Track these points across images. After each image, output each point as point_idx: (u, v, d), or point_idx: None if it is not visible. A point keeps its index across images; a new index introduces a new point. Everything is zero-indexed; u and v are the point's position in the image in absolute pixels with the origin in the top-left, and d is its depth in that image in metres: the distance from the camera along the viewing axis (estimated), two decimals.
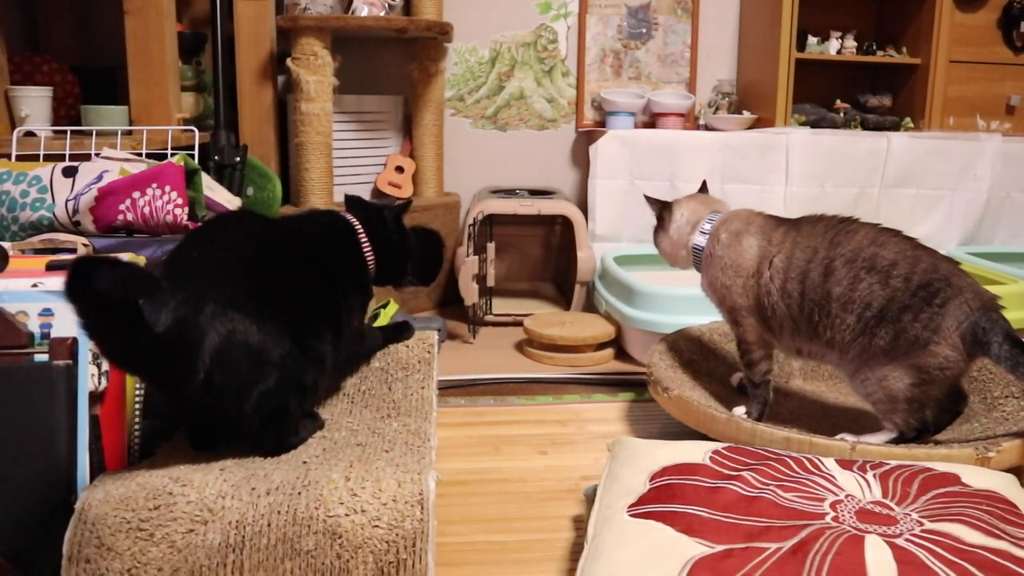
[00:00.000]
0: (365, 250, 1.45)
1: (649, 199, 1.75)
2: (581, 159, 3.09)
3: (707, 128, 2.95)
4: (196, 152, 2.09)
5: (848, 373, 1.51)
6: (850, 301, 1.46)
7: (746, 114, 2.91)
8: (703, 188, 1.81)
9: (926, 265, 1.43)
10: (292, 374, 1.20)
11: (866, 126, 2.93)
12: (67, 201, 1.73)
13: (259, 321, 1.16)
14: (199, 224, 1.32)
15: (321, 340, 1.28)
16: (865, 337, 1.45)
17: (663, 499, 1.11)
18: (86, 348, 1.19)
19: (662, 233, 1.73)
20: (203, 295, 1.14)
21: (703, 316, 2.02)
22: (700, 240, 1.65)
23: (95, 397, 1.21)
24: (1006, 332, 1.37)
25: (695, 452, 1.25)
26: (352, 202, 1.52)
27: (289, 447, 1.23)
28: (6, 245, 1.48)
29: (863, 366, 1.46)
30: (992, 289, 1.44)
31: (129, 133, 2.12)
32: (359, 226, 1.45)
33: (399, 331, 1.62)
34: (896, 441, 1.45)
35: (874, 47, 2.94)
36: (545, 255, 3.12)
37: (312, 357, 1.25)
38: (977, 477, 1.19)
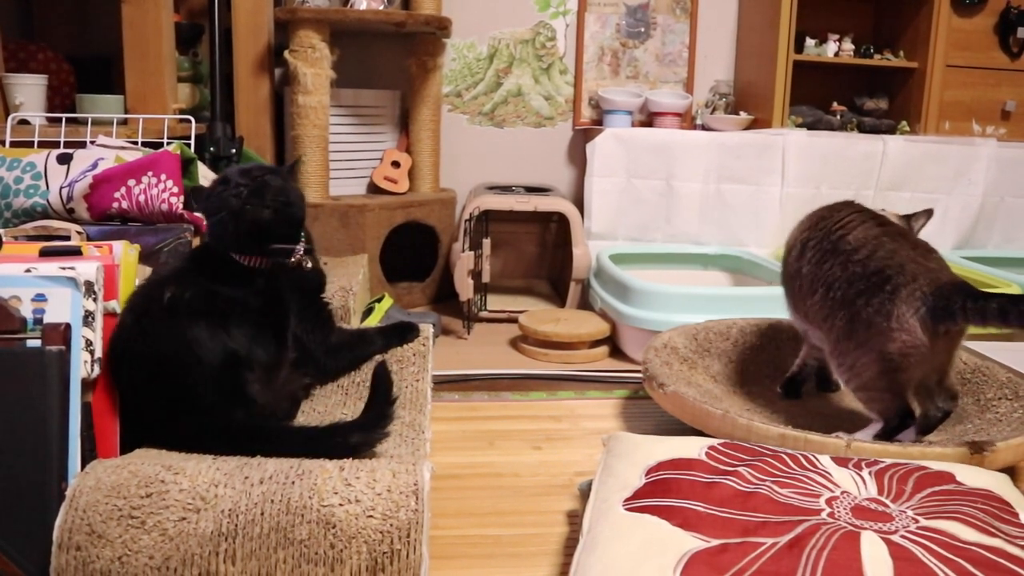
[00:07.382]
0: None
1: None
2: (578, 157, 3.08)
3: (704, 128, 2.95)
4: (192, 143, 2.08)
5: (827, 352, 1.56)
6: (815, 279, 1.52)
7: (743, 115, 2.92)
8: None
9: (884, 252, 1.45)
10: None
11: (862, 129, 2.94)
12: (61, 188, 1.72)
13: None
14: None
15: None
16: (830, 318, 1.50)
17: (659, 493, 1.11)
18: (79, 334, 1.18)
19: None
20: None
21: (698, 314, 2.02)
22: None
23: (87, 384, 1.19)
24: (965, 292, 1.36)
25: (691, 447, 1.25)
26: None
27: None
28: None
29: (835, 347, 1.51)
30: None
31: (124, 122, 2.11)
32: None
33: (403, 333, 1.58)
34: (884, 430, 1.47)
35: (871, 50, 2.95)
36: (541, 252, 3.12)
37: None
38: (971, 476, 1.19)
